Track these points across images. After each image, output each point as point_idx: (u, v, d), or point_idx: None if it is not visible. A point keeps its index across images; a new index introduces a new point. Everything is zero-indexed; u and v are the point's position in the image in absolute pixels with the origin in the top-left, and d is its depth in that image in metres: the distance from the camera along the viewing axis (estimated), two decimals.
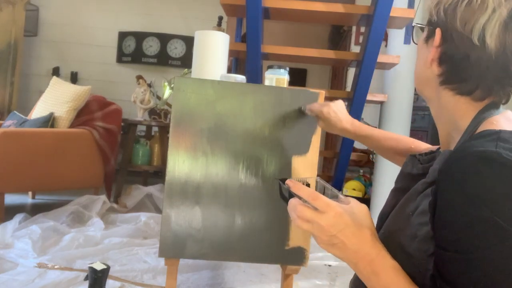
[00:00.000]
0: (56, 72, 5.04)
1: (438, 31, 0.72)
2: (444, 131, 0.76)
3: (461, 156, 0.60)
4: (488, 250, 0.56)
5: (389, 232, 0.68)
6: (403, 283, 0.63)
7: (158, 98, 3.88)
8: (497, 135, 0.62)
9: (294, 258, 1.55)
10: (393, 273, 0.63)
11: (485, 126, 0.67)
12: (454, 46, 0.69)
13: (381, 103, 3.30)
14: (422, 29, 0.79)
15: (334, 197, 0.67)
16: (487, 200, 0.57)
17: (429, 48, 0.75)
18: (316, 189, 0.75)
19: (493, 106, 0.70)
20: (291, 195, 0.68)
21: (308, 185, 0.69)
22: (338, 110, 1.27)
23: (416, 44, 0.81)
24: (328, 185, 0.72)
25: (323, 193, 0.66)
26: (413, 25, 0.84)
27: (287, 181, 0.68)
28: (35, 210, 2.89)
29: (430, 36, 0.75)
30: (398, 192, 0.77)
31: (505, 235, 0.56)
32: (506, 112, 0.70)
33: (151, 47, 5.11)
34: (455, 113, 0.73)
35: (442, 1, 0.72)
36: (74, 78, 5.10)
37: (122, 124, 3.56)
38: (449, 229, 0.60)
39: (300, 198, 0.66)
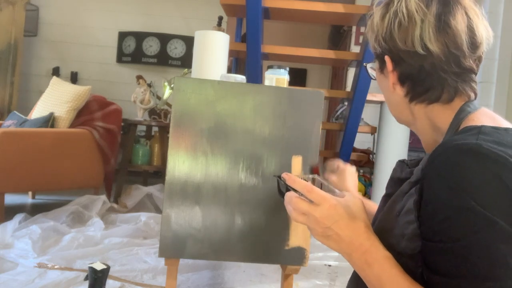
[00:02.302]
0: (56, 72, 5.04)
1: (387, 58, 0.76)
2: (429, 139, 0.79)
3: (443, 150, 0.62)
4: (472, 238, 0.58)
5: (378, 234, 0.69)
6: (396, 273, 0.64)
7: (158, 98, 3.88)
8: (478, 130, 0.65)
9: (294, 258, 1.55)
10: (386, 263, 0.65)
11: (466, 124, 0.70)
12: (406, 64, 0.74)
13: (381, 103, 3.30)
14: (373, 64, 0.85)
15: (331, 192, 0.69)
16: (469, 190, 0.58)
17: (386, 76, 0.79)
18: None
19: (469, 105, 0.73)
20: (288, 190, 0.69)
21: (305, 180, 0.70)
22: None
23: (375, 79, 0.86)
24: (325, 182, 0.74)
25: (320, 189, 0.67)
26: (364, 65, 0.89)
27: (283, 174, 0.70)
28: (35, 210, 2.89)
29: (382, 66, 0.80)
30: (389, 197, 0.79)
31: (487, 223, 0.57)
32: (482, 109, 0.73)
33: (151, 47, 5.11)
34: (433, 120, 0.76)
35: (378, 33, 0.78)
36: (74, 78, 5.10)
37: (122, 124, 3.56)
38: (433, 220, 0.61)
39: (296, 191, 0.68)
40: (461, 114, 0.72)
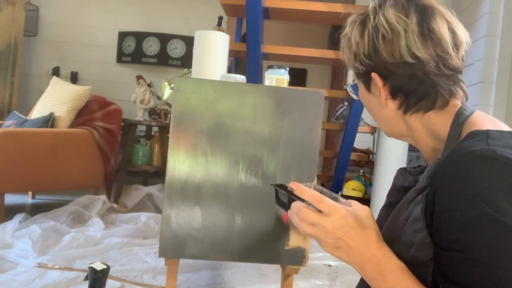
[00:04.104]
0: (56, 72, 5.04)
1: (374, 75, 0.75)
2: (428, 149, 0.78)
3: (456, 157, 0.61)
4: (491, 247, 0.57)
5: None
6: (411, 283, 0.63)
7: (158, 98, 3.88)
8: (486, 134, 0.64)
9: (294, 258, 1.55)
10: (400, 273, 0.63)
11: (469, 128, 0.69)
12: (396, 76, 0.73)
13: None
14: (355, 85, 0.83)
15: (334, 200, 0.67)
16: (486, 198, 0.57)
17: (375, 93, 0.78)
18: None
19: (465, 108, 0.73)
20: (291, 199, 0.67)
21: None
22: None
23: (359, 99, 0.85)
24: (325, 189, 0.72)
25: None
26: (344, 87, 0.88)
27: (290, 184, 0.68)
28: (35, 210, 2.89)
29: (369, 85, 0.78)
30: (391, 206, 0.77)
31: (506, 231, 0.56)
32: (478, 112, 0.73)
33: (151, 47, 5.11)
34: (432, 127, 0.75)
35: (358, 52, 0.76)
36: (74, 78, 5.10)
37: (122, 124, 3.56)
38: (450, 230, 0.60)
39: (302, 201, 0.66)
40: (459, 119, 0.71)
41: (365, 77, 0.78)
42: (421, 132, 0.76)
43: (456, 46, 0.73)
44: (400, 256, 0.66)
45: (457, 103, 0.74)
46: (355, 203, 0.67)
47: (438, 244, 0.62)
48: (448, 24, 0.73)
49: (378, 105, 0.78)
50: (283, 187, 0.72)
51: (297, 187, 0.66)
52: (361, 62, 0.76)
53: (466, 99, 0.76)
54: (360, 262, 0.65)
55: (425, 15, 0.72)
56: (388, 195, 0.83)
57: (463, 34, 0.75)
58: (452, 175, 0.60)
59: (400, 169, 0.83)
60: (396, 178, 0.82)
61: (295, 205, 0.66)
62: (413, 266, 0.65)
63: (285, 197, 0.70)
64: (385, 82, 0.74)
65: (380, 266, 0.64)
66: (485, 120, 0.70)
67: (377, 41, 0.73)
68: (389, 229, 0.73)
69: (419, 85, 0.72)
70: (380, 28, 0.73)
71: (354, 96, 0.86)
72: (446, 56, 0.72)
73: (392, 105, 0.76)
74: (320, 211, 0.64)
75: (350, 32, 0.78)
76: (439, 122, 0.74)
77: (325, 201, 0.64)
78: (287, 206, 0.69)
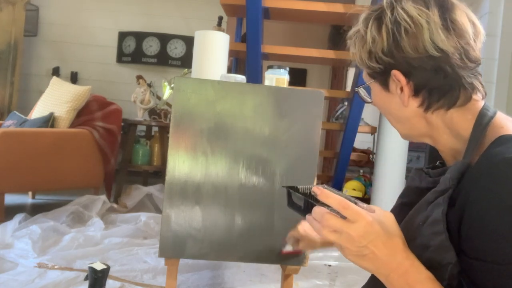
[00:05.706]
0: (56, 72, 5.03)
1: (396, 72, 0.71)
2: (447, 149, 0.75)
3: (492, 165, 0.59)
4: None
5: None
6: None
7: (158, 98, 3.88)
8: None
9: (294, 258, 1.54)
10: (430, 284, 0.61)
11: (495, 132, 0.67)
12: (420, 71, 0.70)
13: None
14: (368, 87, 0.79)
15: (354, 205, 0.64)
16: None
17: (394, 93, 0.74)
18: None
19: (487, 109, 0.71)
20: (310, 203, 0.64)
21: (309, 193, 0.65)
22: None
23: (371, 102, 0.81)
24: (342, 193, 0.69)
25: None
26: (356, 90, 0.84)
27: (314, 188, 0.64)
28: (35, 210, 2.89)
29: (386, 84, 0.74)
30: (406, 207, 0.75)
31: None
32: (499, 114, 0.72)
33: (151, 47, 5.11)
34: (454, 126, 0.72)
35: (375, 49, 0.72)
36: (74, 78, 5.09)
37: (122, 124, 3.56)
38: (485, 239, 0.58)
39: (322, 205, 0.63)
40: (483, 119, 0.69)
41: (383, 75, 0.74)
42: (442, 131, 0.73)
43: (475, 36, 0.71)
44: None
45: (478, 99, 0.72)
46: (377, 209, 0.64)
47: (467, 252, 0.60)
48: (468, 15, 0.72)
49: (399, 105, 0.74)
50: (295, 188, 0.68)
51: (321, 192, 0.63)
52: (378, 60, 0.73)
53: (486, 95, 0.74)
54: (386, 271, 0.62)
55: (445, 7, 0.70)
56: (402, 195, 0.81)
57: (480, 25, 0.73)
58: (488, 183, 0.58)
59: (416, 169, 0.80)
60: (411, 179, 0.79)
61: (318, 210, 0.62)
62: (428, 269, 0.63)
63: (300, 201, 0.66)
64: (409, 79, 0.71)
65: (408, 276, 0.61)
66: (510, 122, 0.69)
67: (399, 35, 0.69)
68: (404, 229, 0.70)
69: (445, 79, 0.69)
70: (402, 22, 0.69)
71: (368, 99, 0.82)
72: (468, 48, 0.69)
73: (412, 104, 0.73)
74: (344, 217, 0.61)
75: (364, 29, 0.74)
76: (461, 120, 0.71)
77: (351, 207, 0.61)
78: (303, 211, 0.65)
